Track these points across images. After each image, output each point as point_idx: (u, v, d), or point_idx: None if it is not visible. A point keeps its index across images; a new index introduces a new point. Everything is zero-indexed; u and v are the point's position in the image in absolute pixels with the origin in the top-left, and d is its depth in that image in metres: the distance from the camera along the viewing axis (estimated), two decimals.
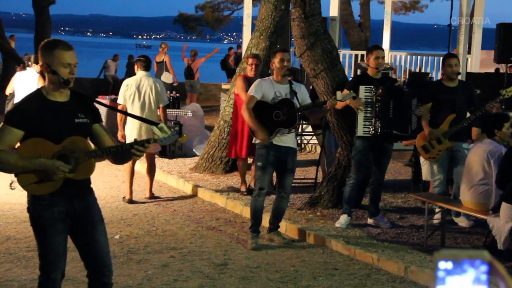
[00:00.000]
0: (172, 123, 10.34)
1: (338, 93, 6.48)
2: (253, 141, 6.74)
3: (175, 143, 11.05)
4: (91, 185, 3.97)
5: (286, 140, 6.48)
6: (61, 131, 3.72)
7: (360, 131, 6.99)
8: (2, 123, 3.72)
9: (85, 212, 3.85)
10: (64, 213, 3.78)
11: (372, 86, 6.96)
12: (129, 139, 7.95)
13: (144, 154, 8.58)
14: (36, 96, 3.78)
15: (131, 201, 8.40)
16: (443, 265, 0.85)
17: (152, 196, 8.65)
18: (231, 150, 8.72)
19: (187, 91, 18.10)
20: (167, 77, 16.32)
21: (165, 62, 16.71)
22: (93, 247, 3.89)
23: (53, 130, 3.71)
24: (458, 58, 7.54)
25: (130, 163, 8.40)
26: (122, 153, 3.85)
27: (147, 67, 8.55)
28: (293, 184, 7.01)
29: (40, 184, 3.72)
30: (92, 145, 3.92)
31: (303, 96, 6.59)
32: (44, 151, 3.68)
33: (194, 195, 8.92)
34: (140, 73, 8.51)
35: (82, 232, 3.88)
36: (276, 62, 6.51)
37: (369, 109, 6.95)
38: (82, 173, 3.78)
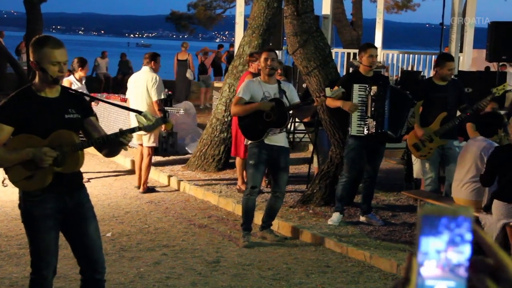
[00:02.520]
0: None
1: (327, 89, 6.47)
2: (245, 143, 6.70)
3: (167, 141, 11.03)
4: (83, 181, 3.95)
5: (277, 139, 6.46)
6: (51, 127, 3.70)
7: (354, 130, 6.96)
8: None
9: (76, 208, 3.83)
10: (55, 209, 3.76)
11: (366, 85, 6.92)
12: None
13: (141, 149, 8.70)
14: (25, 92, 3.76)
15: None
16: (424, 222, 0.82)
17: (147, 189, 8.71)
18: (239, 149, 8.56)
19: (200, 86, 19.48)
20: (190, 74, 17.98)
21: (188, 60, 18.06)
22: (85, 243, 3.87)
23: (43, 125, 3.69)
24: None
25: (139, 158, 8.71)
26: (110, 144, 3.82)
27: (149, 63, 8.77)
28: None
29: (30, 180, 3.70)
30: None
31: (292, 95, 6.57)
32: (32, 147, 3.66)
33: (186, 193, 8.90)
34: (142, 68, 8.86)
35: (74, 228, 3.86)
36: (261, 61, 6.48)
37: (363, 108, 6.93)
38: (70, 166, 3.76)
